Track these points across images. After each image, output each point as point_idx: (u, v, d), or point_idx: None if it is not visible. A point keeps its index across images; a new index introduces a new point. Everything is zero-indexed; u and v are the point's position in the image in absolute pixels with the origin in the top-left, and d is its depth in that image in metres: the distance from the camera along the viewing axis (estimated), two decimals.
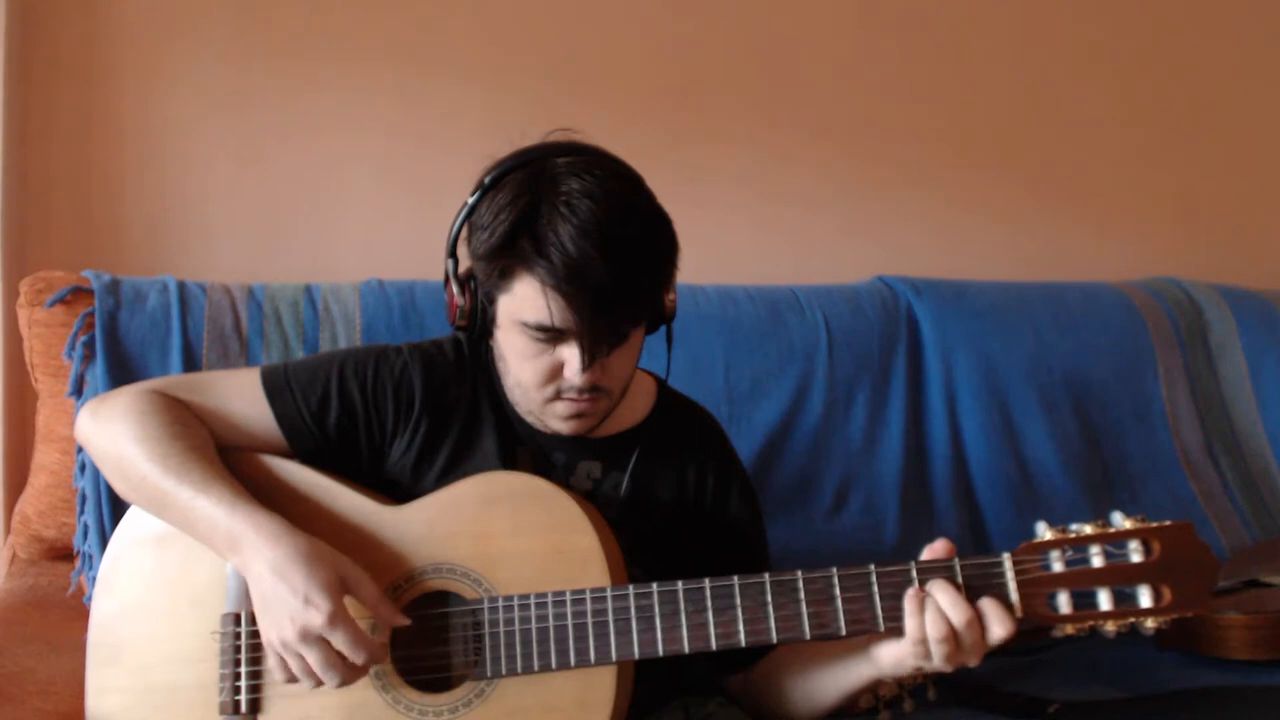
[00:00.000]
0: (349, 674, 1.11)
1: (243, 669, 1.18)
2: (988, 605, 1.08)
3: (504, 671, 1.15)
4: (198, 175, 2.00)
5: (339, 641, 1.09)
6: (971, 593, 1.09)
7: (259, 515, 1.14)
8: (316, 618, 1.08)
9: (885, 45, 2.38)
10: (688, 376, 1.75)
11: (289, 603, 1.09)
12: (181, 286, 1.71)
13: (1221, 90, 2.61)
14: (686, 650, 1.13)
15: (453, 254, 1.23)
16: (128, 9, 1.97)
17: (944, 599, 1.08)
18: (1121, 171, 2.53)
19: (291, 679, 1.13)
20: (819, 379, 1.93)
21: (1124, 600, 1.08)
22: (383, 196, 2.08)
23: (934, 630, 1.07)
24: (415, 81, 2.09)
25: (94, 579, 1.35)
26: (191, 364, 1.64)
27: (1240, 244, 2.61)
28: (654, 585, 1.14)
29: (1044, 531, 1.11)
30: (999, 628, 1.07)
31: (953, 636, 1.07)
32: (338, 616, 1.09)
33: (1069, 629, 1.09)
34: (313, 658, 1.10)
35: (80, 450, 1.59)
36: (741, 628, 1.12)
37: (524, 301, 1.15)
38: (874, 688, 1.21)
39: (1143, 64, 2.56)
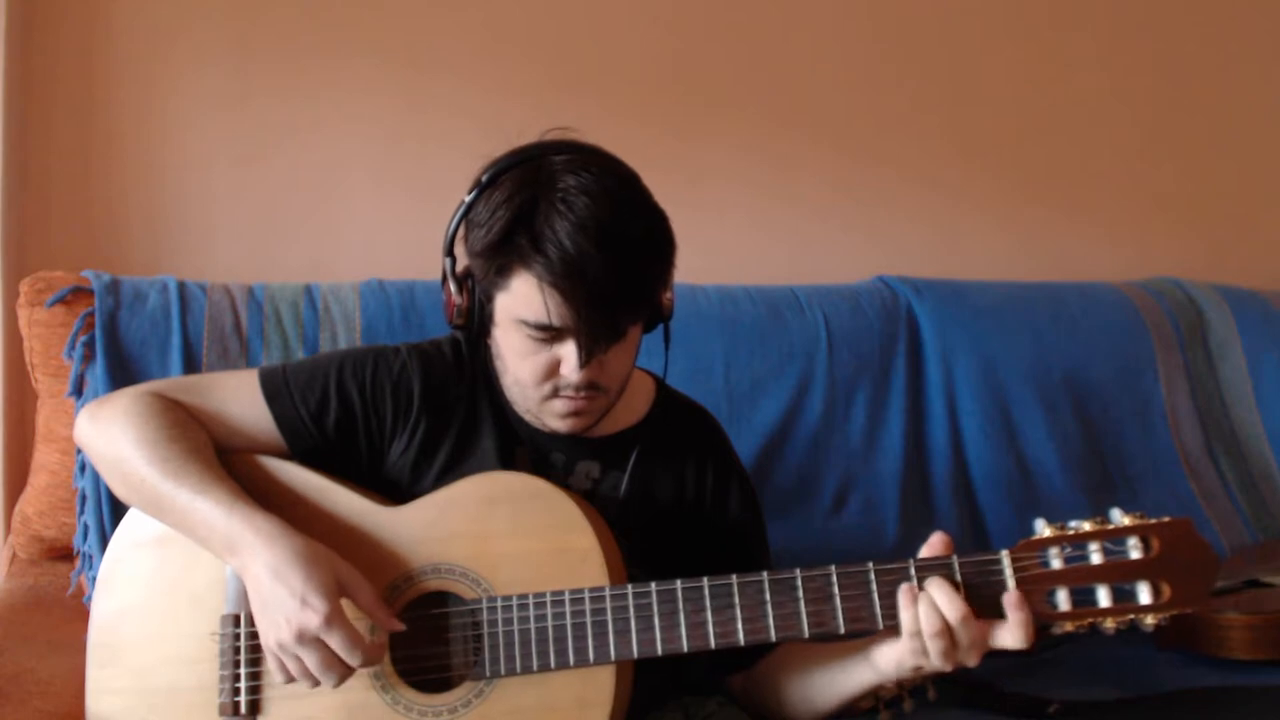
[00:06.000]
0: (347, 675, 1.12)
1: (242, 670, 1.18)
2: (1015, 615, 1.08)
3: (503, 671, 1.15)
4: (198, 175, 2.00)
5: (335, 643, 1.09)
6: (970, 590, 1.09)
7: (257, 517, 1.14)
8: (313, 619, 1.08)
9: (886, 45, 2.38)
10: (688, 376, 1.75)
11: (286, 604, 1.09)
12: (181, 286, 1.71)
13: (1222, 90, 2.61)
14: (685, 649, 1.13)
15: (450, 252, 1.23)
16: (128, 9, 1.97)
17: (939, 594, 1.08)
18: (1121, 171, 2.53)
19: (290, 680, 1.13)
20: (819, 379, 1.92)
21: (1123, 597, 1.08)
22: (383, 196, 2.08)
23: (928, 625, 1.07)
24: (415, 81, 2.09)
25: (94, 579, 1.35)
26: (191, 364, 1.64)
27: (1240, 244, 2.61)
28: (652, 585, 1.14)
29: (1043, 528, 1.11)
30: (1015, 640, 1.08)
31: (947, 631, 1.07)
32: (334, 618, 1.09)
33: (1068, 626, 1.09)
34: (310, 659, 1.10)
35: (80, 450, 1.59)
36: (740, 626, 1.12)
37: (521, 298, 1.15)
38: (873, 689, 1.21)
39: (1142, 64, 2.55)
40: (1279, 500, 2.13)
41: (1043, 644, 1.69)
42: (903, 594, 1.10)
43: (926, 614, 1.08)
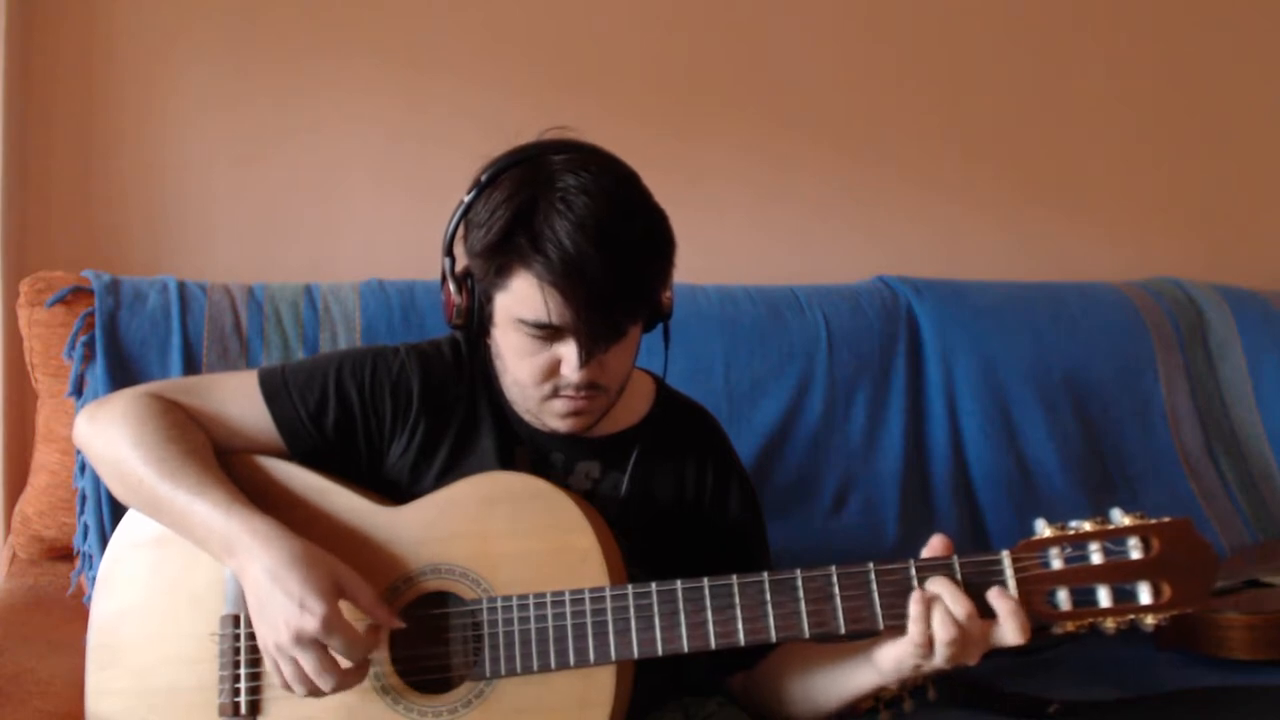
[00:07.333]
0: (344, 679, 1.11)
1: (242, 670, 1.18)
2: (1002, 606, 1.08)
3: (503, 672, 1.15)
4: (198, 175, 2.00)
5: (334, 645, 1.09)
6: (971, 590, 1.09)
7: (255, 519, 1.14)
8: (311, 621, 1.08)
9: (886, 45, 2.38)
10: (688, 376, 1.75)
11: (284, 606, 1.09)
12: (181, 286, 1.71)
13: (1222, 90, 2.61)
14: (685, 650, 1.13)
15: (449, 252, 1.23)
16: (128, 9, 1.97)
17: (946, 594, 1.08)
18: (1122, 171, 2.53)
19: (287, 685, 1.12)
20: (819, 379, 1.92)
21: (1124, 597, 1.08)
22: (383, 196, 2.08)
23: (944, 633, 1.07)
24: (415, 81, 2.09)
25: (94, 579, 1.35)
26: (191, 364, 1.64)
27: (1240, 244, 2.60)
28: (652, 585, 1.14)
29: (1043, 528, 1.11)
30: (1011, 634, 1.07)
31: (961, 636, 1.07)
32: (333, 620, 1.09)
33: (1069, 626, 1.08)
34: (308, 662, 1.09)
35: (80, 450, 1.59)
36: (740, 626, 1.12)
37: (521, 298, 1.15)
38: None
39: (1143, 64, 2.55)
40: (1279, 500, 2.13)
41: (1043, 644, 1.70)
42: (915, 604, 1.08)
43: (941, 620, 1.07)
